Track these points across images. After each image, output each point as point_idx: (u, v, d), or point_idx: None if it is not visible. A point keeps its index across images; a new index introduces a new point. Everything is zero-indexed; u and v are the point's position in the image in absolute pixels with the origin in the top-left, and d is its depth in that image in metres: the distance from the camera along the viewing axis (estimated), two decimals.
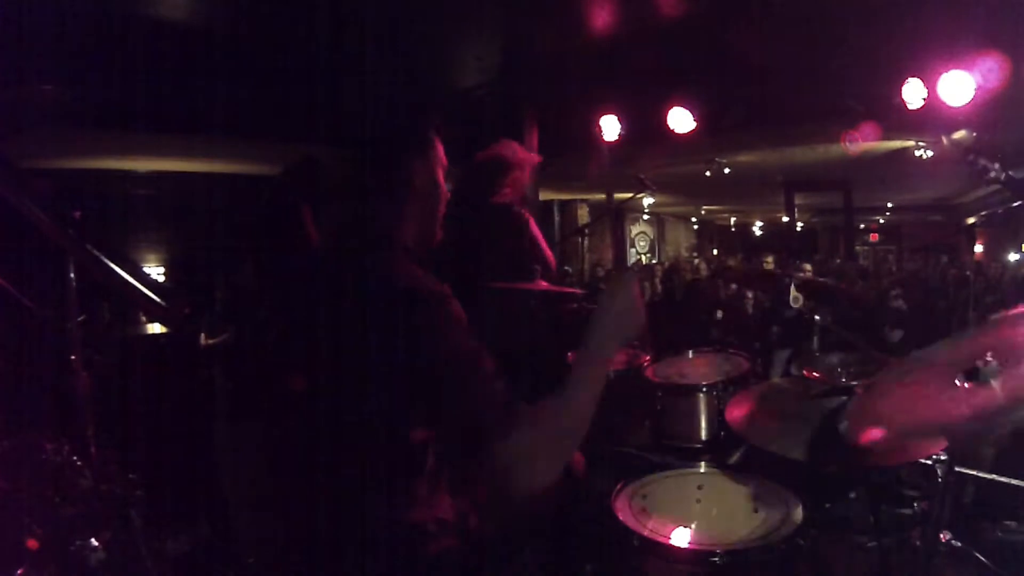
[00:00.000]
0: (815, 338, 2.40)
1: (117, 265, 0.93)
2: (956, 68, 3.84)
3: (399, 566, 1.37)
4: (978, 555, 1.81)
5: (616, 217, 12.21)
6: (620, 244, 14.26)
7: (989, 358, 1.24)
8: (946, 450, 1.53)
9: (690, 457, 2.23)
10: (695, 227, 19.40)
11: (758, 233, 19.67)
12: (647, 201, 12.06)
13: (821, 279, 2.20)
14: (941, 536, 1.61)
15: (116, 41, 3.84)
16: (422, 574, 1.40)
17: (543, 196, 6.00)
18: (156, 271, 7.38)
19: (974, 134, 2.76)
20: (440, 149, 1.53)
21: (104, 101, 4.36)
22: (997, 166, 2.22)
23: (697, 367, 2.46)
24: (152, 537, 2.32)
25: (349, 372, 1.33)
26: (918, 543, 1.64)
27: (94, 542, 1.55)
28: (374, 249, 1.40)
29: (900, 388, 1.39)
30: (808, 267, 6.17)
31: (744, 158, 8.10)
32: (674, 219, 17.53)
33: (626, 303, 1.28)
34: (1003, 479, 2.01)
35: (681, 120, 4.86)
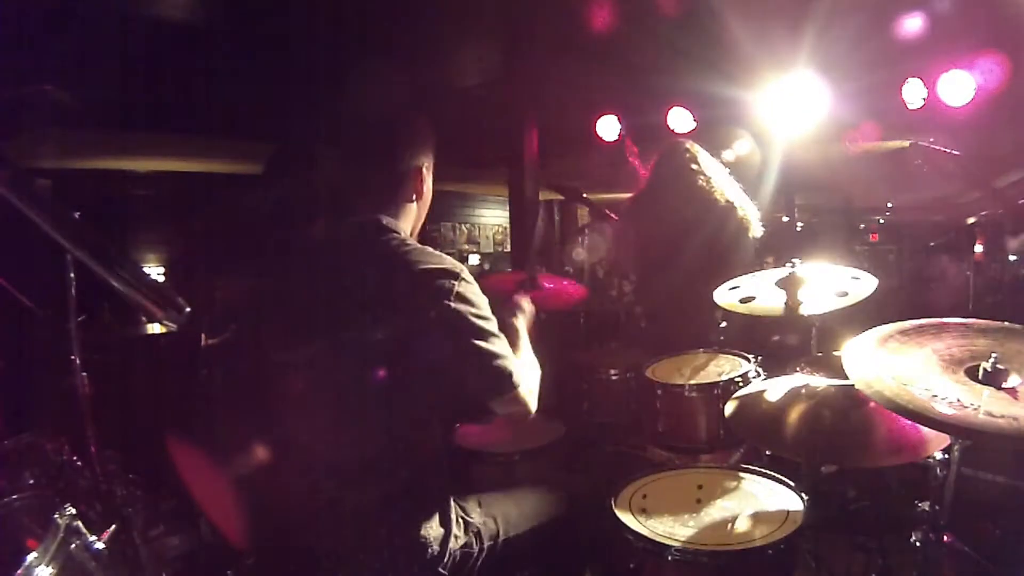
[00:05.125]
0: (815, 338, 2.40)
1: (117, 265, 0.93)
2: (956, 68, 3.84)
3: (399, 562, 1.38)
4: (978, 555, 1.81)
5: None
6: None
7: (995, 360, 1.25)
8: (946, 450, 1.53)
9: (690, 457, 2.23)
10: None
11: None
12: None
13: None
14: (942, 536, 1.61)
15: (116, 41, 3.83)
16: (423, 571, 1.40)
17: (543, 196, 5.98)
18: (156, 271, 7.38)
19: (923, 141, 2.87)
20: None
21: (104, 101, 4.36)
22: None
23: (697, 367, 2.46)
24: (152, 537, 2.32)
25: (355, 363, 1.34)
26: (918, 543, 1.63)
27: (94, 542, 1.55)
28: (380, 239, 1.41)
29: None
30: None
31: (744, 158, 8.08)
32: None
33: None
34: (1003, 479, 2.02)
35: (681, 120, 4.86)
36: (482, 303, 1.45)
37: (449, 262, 1.43)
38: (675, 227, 2.81)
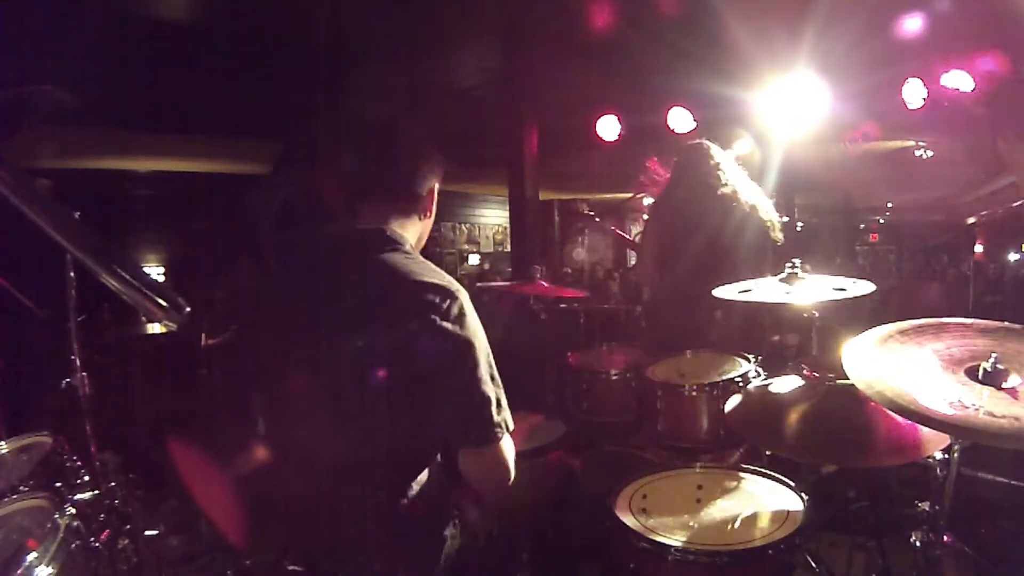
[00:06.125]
0: (815, 338, 2.40)
1: (117, 265, 0.93)
2: (956, 68, 3.85)
3: (400, 560, 1.38)
4: (978, 555, 1.80)
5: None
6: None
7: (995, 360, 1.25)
8: (946, 450, 1.53)
9: (690, 457, 2.23)
10: None
11: None
12: (647, 201, 11.97)
13: None
14: (942, 536, 1.60)
15: (116, 41, 3.84)
16: (423, 569, 1.40)
17: (543, 196, 5.98)
18: (156, 271, 7.38)
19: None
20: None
21: (104, 101, 4.36)
22: None
23: (697, 367, 2.46)
24: (152, 537, 2.32)
25: (353, 366, 1.33)
26: (918, 543, 1.63)
27: (94, 542, 1.55)
28: (386, 247, 1.41)
29: None
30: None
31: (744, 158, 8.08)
32: None
33: None
34: (1003, 479, 2.01)
35: (681, 120, 4.86)
36: (478, 334, 1.32)
37: (448, 280, 1.34)
38: (684, 222, 2.82)
